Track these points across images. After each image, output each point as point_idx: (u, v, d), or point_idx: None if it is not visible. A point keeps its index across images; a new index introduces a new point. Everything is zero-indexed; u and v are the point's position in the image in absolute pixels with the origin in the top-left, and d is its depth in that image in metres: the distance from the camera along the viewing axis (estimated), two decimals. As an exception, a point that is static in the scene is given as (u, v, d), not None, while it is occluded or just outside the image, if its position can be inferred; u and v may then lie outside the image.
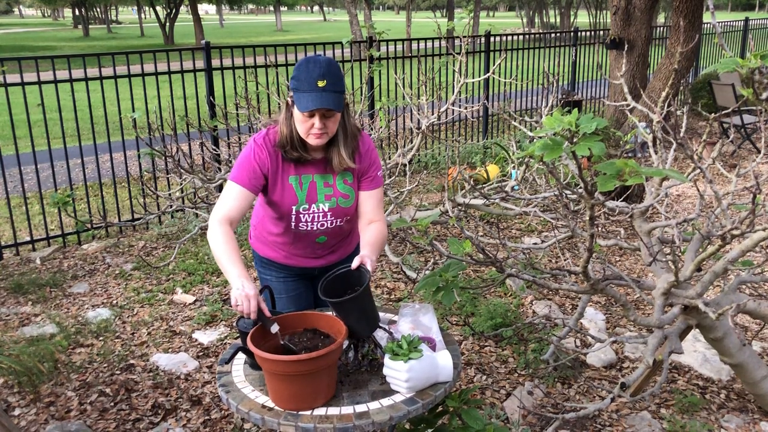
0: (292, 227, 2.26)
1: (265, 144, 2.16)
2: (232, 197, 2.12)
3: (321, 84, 2.01)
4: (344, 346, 2.00)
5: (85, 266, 4.90)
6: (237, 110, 5.30)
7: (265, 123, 2.27)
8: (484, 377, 3.31)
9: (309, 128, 2.07)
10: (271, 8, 60.56)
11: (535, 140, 1.55)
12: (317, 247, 2.34)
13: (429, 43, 8.17)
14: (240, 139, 5.25)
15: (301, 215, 2.22)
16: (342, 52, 6.91)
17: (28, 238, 5.21)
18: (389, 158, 5.11)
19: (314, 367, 1.73)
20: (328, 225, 2.26)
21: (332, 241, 2.34)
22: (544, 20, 39.59)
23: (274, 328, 1.88)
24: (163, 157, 4.70)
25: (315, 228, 2.26)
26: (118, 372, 3.41)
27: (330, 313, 2.04)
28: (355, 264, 1.99)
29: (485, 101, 5.17)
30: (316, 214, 2.23)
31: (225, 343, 3.70)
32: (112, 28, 48.30)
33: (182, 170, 4.62)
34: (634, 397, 2.70)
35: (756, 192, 1.81)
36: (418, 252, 4.91)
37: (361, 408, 1.77)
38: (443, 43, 5.47)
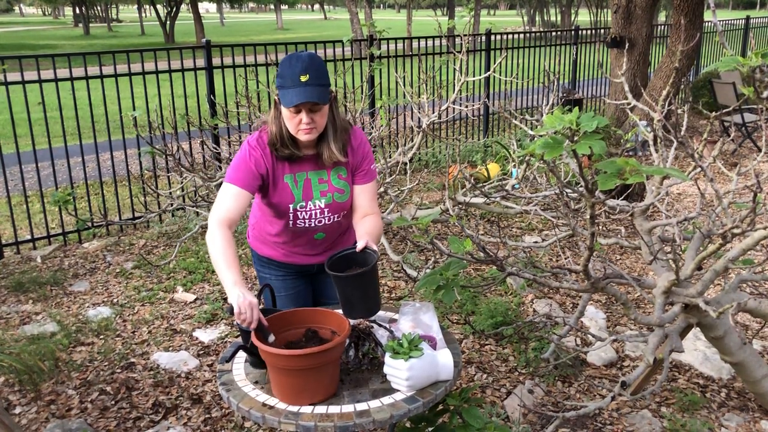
0: (290, 225, 2.27)
1: (259, 145, 2.18)
2: (230, 198, 2.11)
3: (304, 78, 2.03)
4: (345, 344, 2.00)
5: (86, 265, 4.90)
6: (237, 108, 5.30)
7: (257, 125, 2.28)
8: (485, 376, 3.31)
9: (297, 124, 2.09)
10: (272, 6, 60.52)
11: (535, 139, 1.55)
12: (316, 243, 2.35)
13: (429, 42, 8.18)
14: (240, 138, 5.25)
15: (299, 213, 2.23)
16: (342, 50, 6.90)
17: (29, 237, 5.21)
18: (390, 157, 5.10)
19: (318, 361, 1.74)
20: (326, 221, 2.27)
21: (330, 237, 2.36)
22: (545, 18, 39.57)
23: (271, 339, 1.87)
24: (164, 156, 4.70)
25: (313, 225, 2.27)
26: (118, 370, 3.41)
27: (330, 309, 2.04)
28: (360, 246, 2.02)
29: (486, 100, 5.17)
30: (313, 211, 2.24)
31: (225, 342, 3.70)
32: (112, 26, 48.30)
33: (183, 169, 4.62)
34: (634, 395, 2.70)
35: (757, 190, 1.81)
36: (419, 250, 4.91)
37: (361, 406, 1.77)
38: (444, 41, 5.47)
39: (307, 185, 2.22)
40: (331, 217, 2.27)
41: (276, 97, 2.14)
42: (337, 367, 1.84)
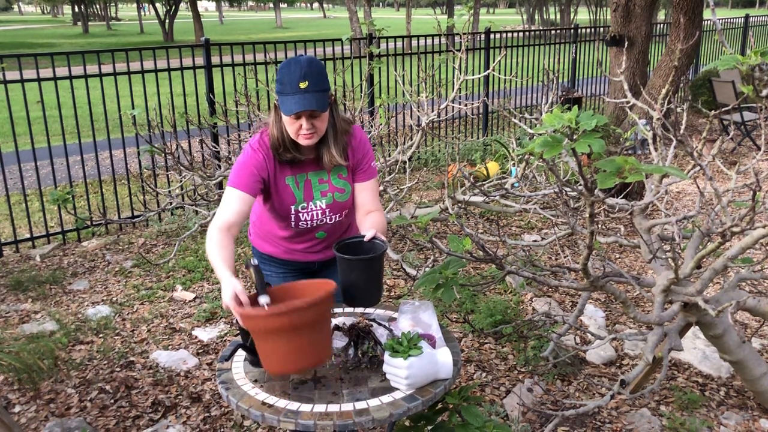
0: (293, 226, 2.28)
1: (261, 147, 2.17)
2: (232, 202, 2.10)
3: (303, 85, 2.01)
4: (345, 342, 2.00)
5: (85, 263, 4.90)
6: (237, 107, 5.30)
7: (258, 126, 2.29)
8: (484, 374, 3.31)
9: (297, 129, 2.09)
10: (271, 5, 60.46)
11: (535, 137, 1.55)
12: (316, 242, 2.36)
13: (429, 40, 8.17)
14: (240, 136, 5.25)
15: (301, 214, 2.24)
16: (342, 49, 6.90)
17: (28, 236, 5.21)
18: (389, 155, 5.10)
19: (300, 320, 1.67)
20: (327, 221, 2.29)
21: (331, 235, 2.37)
22: (544, 17, 39.55)
23: (264, 299, 1.83)
24: (163, 155, 4.70)
25: (315, 225, 2.29)
26: (118, 369, 3.41)
27: (316, 280, 1.98)
28: (369, 236, 2.04)
29: (485, 98, 5.17)
30: (314, 212, 2.25)
31: (225, 340, 3.70)
32: (111, 25, 48.23)
33: (182, 167, 4.62)
34: (633, 394, 2.70)
35: (756, 189, 1.81)
36: (418, 249, 4.91)
37: (361, 405, 1.77)
38: (443, 40, 5.46)
39: (308, 186, 2.23)
40: (333, 216, 2.29)
41: (276, 102, 2.12)
42: (324, 330, 1.78)
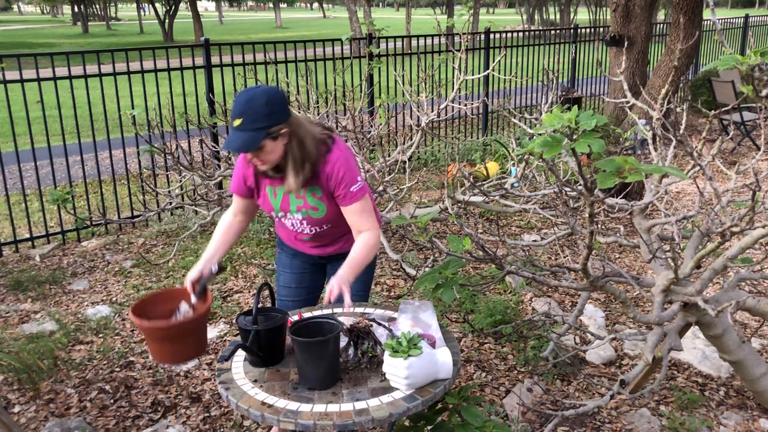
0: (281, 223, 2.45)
1: (245, 156, 2.27)
2: (234, 202, 2.39)
3: (236, 123, 2.00)
4: (344, 342, 2.01)
5: (85, 263, 4.90)
6: (236, 107, 5.29)
7: None
8: (484, 374, 3.31)
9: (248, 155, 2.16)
10: (271, 5, 60.45)
11: (534, 137, 1.55)
12: (307, 242, 2.46)
13: (429, 40, 8.16)
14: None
15: (282, 219, 2.37)
16: (342, 49, 6.90)
17: (28, 236, 5.20)
18: (389, 155, 5.10)
19: (168, 333, 2.03)
20: (307, 231, 2.36)
21: (321, 239, 2.43)
22: (544, 17, 39.53)
23: (184, 308, 2.20)
24: (163, 155, 4.70)
25: (296, 231, 2.39)
26: (117, 369, 3.41)
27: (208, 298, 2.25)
28: (326, 297, 2.07)
29: (485, 98, 5.17)
30: (293, 221, 2.34)
31: (225, 340, 3.70)
32: (111, 25, 48.22)
33: (182, 167, 4.62)
34: (633, 394, 2.70)
35: (756, 189, 1.81)
36: (418, 249, 4.91)
37: (360, 405, 1.77)
38: (443, 40, 5.46)
39: (285, 199, 2.29)
40: (312, 228, 2.34)
41: None
42: (196, 336, 2.11)
